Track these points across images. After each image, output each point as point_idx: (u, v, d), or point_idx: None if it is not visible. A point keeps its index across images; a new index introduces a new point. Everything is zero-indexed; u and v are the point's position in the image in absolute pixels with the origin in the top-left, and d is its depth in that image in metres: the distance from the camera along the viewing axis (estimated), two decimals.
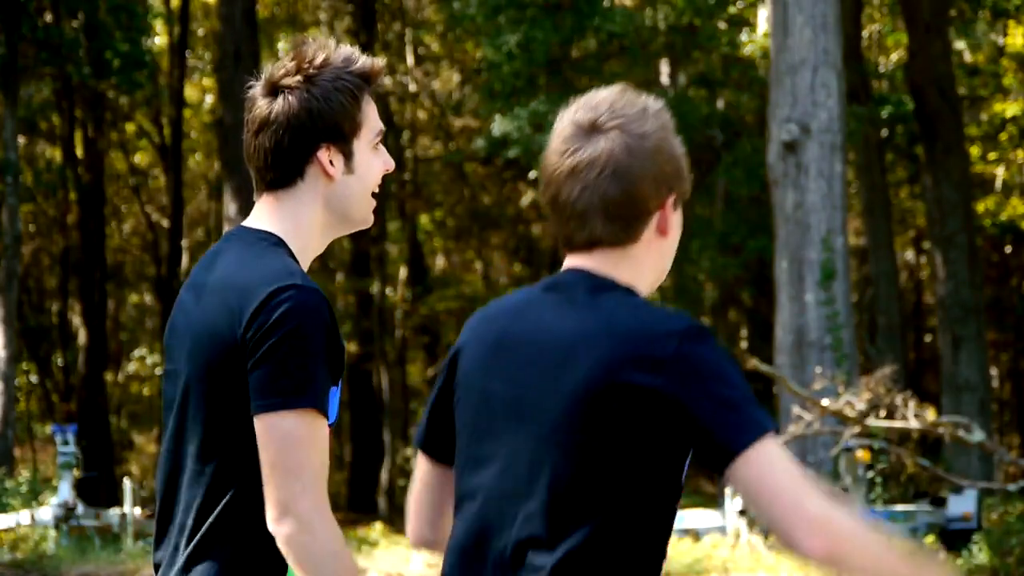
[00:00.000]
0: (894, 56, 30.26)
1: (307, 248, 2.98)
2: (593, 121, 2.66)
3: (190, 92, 33.06)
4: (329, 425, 2.87)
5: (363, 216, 3.03)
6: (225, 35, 26.26)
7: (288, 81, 2.94)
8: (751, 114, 25.10)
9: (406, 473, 31.46)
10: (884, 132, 27.35)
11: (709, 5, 24.41)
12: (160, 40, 31.63)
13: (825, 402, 16.64)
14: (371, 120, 3.02)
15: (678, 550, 15.74)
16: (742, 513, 15.98)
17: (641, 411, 2.51)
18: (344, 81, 2.96)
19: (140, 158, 34.28)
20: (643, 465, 2.55)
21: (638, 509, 2.55)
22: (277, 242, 2.93)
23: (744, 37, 25.89)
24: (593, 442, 2.53)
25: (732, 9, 25.61)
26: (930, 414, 16.52)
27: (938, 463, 20.44)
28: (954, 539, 15.70)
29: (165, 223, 32.10)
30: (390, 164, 3.07)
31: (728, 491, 16.44)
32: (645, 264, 2.71)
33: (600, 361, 2.53)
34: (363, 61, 3.01)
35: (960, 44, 29.27)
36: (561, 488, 2.53)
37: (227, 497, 2.85)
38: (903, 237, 33.76)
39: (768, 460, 2.55)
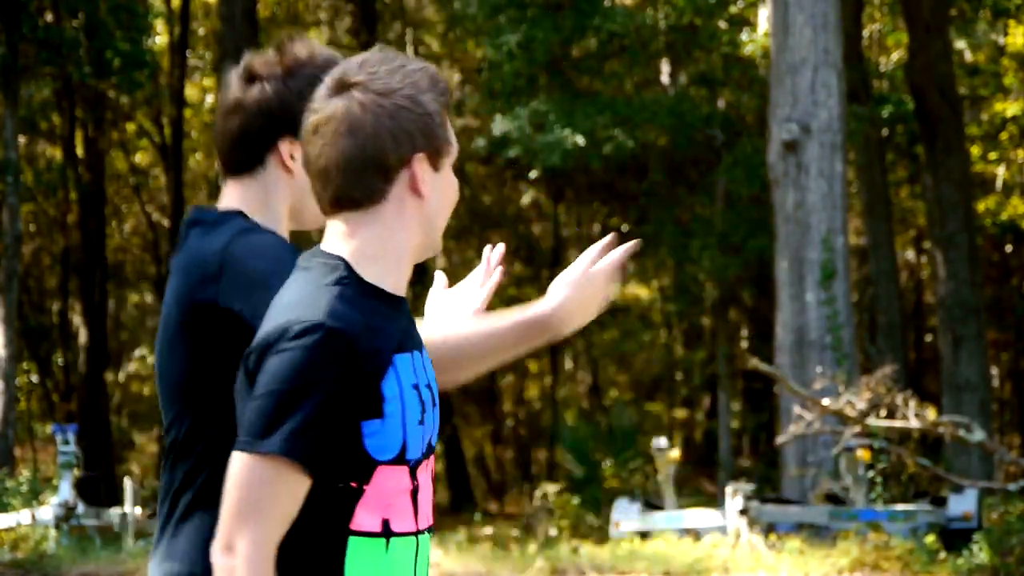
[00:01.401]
0: (894, 56, 30.25)
1: (278, 227, 3.01)
2: (340, 79, 2.66)
3: (190, 92, 33.06)
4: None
5: (314, 216, 3.02)
6: (225, 35, 26.26)
7: (267, 71, 2.99)
8: (751, 114, 25.10)
9: None
10: (884, 132, 27.34)
11: (709, 5, 24.40)
12: (161, 40, 31.62)
13: (826, 402, 16.64)
14: None
15: (678, 550, 15.75)
16: (742, 513, 15.98)
17: None
18: (321, 82, 2.93)
19: (140, 158, 34.28)
20: None
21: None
22: (242, 215, 2.97)
23: (745, 37, 25.88)
24: None
25: (733, 9, 25.61)
26: (930, 414, 16.52)
27: (938, 463, 20.44)
28: (954, 539, 15.70)
29: (165, 223, 32.09)
30: None
31: (728, 491, 16.44)
32: (397, 225, 2.68)
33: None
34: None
35: (960, 44, 29.27)
36: None
37: (203, 476, 2.86)
38: (903, 237, 33.76)
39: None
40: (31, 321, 29.77)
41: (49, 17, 22.78)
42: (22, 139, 27.13)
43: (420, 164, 2.66)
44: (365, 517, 2.62)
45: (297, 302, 2.58)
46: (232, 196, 3.02)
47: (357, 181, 2.63)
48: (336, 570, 2.60)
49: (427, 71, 2.69)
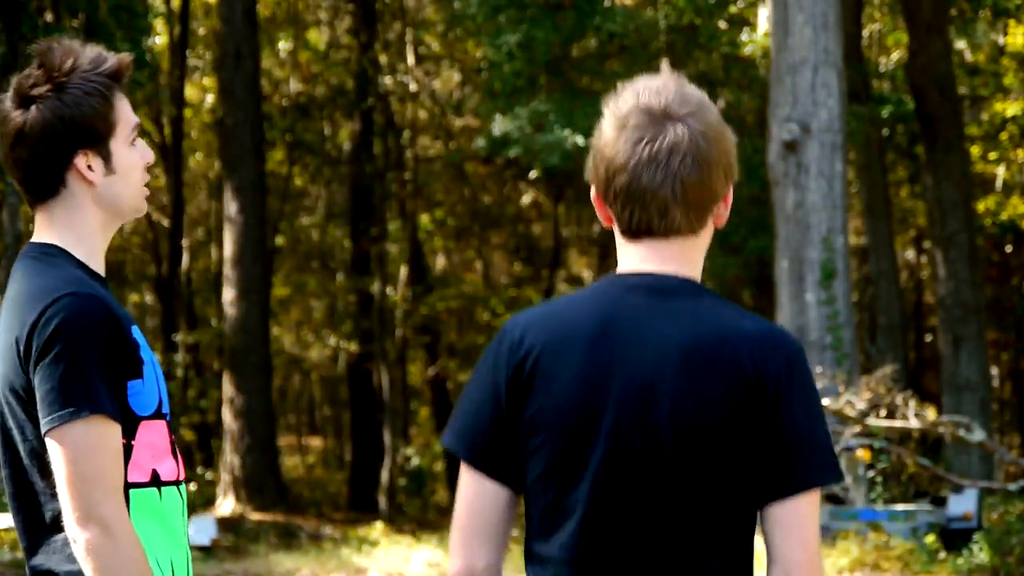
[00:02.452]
0: (894, 56, 30.25)
1: (93, 251, 3.00)
2: (665, 108, 2.68)
3: (190, 92, 33.06)
4: (155, 417, 2.91)
5: (135, 207, 3.04)
6: (226, 35, 26.27)
7: (38, 91, 2.93)
8: (751, 114, 25.11)
9: (406, 473, 31.48)
10: (885, 132, 27.34)
11: (709, 5, 24.40)
12: (161, 40, 31.62)
13: (825, 401, 16.64)
14: (125, 117, 3.01)
15: None
16: None
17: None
18: (94, 84, 2.95)
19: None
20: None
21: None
22: (58, 252, 2.95)
23: (745, 37, 25.88)
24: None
25: (733, 8, 25.61)
26: (930, 414, 16.52)
27: (938, 463, 20.44)
28: (954, 539, 15.70)
29: (165, 223, 32.09)
30: (149, 157, 3.07)
31: None
32: (703, 252, 2.73)
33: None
34: (111, 60, 3.00)
35: (961, 43, 29.27)
36: None
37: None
38: (903, 237, 33.76)
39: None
40: None
41: (49, 17, 22.78)
42: None
43: (730, 195, 2.77)
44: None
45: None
46: (43, 228, 3.01)
47: (698, 211, 2.72)
48: None
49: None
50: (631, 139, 2.64)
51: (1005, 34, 29.55)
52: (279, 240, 33.26)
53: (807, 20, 19.20)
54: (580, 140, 22.17)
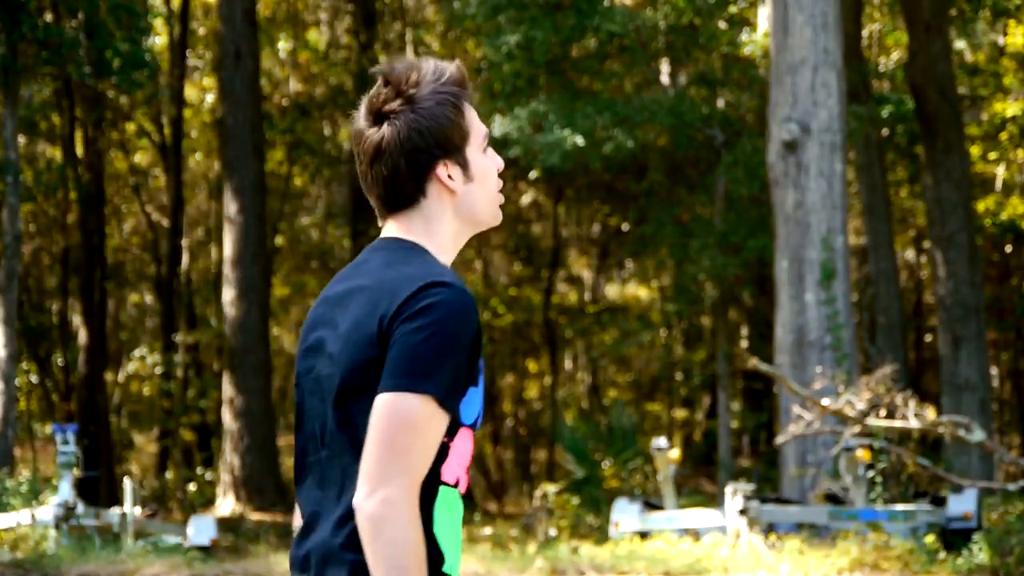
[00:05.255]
0: (894, 56, 30.25)
1: (444, 255, 3.06)
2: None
3: (190, 92, 33.06)
4: (471, 427, 2.96)
5: (492, 216, 3.12)
6: (225, 34, 26.27)
7: (391, 106, 3.00)
8: (751, 114, 25.10)
9: None
10: (884, 132, 27.34)
11: (709, 5, 24.40)
12: (160, 40, 31.63)
13: (825, 401, 16.65)
14: (476, 125, 3.09)
15: (678, 550, 15.76)
16: (742, 512, 15.99)
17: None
18: (443, 94, 3.02)
19: (140, 158, 34.28)
20: None
21: None
22: (424, 249, 3.02)
23: (744, 37, 25.88)
24: None
25: (732, 9, 25.60)
26: (930, 414, 16.52)
27: (938, 463, 20.45)
28: (954, 539, 15.71)
29: (165, 223, 32.09)
30: (500, 163, 3.13)
31: (728, 491, 16.44)
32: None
33: None
34: (452, 69, 3.07)
35: (960, 43, 29.26)
36: None
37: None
38: (903, 237, 33.76)
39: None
40: (31, 321, 29.76)
41: (49, 17, 22.77)
42: (22, 139, 27.13)
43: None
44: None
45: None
46: (396, 232, 3.06)
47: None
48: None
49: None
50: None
51: (1005, 34, 29.54)
52: (279, 240, 33.26)
53: (807, 20, 19.20)
54: (580, 140, 22.17)
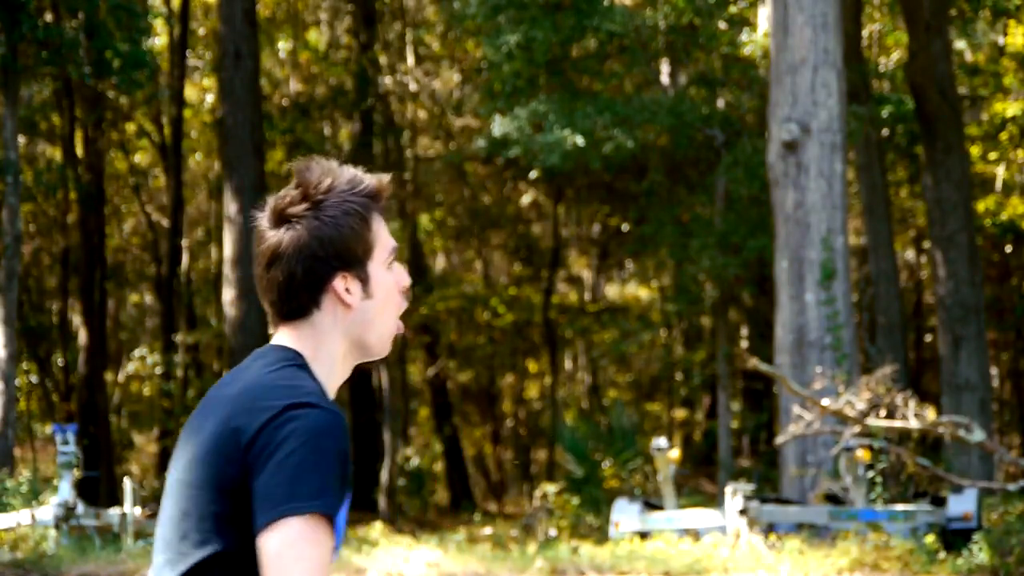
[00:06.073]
0: (894, 55, 30.25)
1: (331, 375, 2.88)
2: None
3: (190, 92, 33.06)
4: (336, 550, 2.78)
5: (382, 343, 2.93)
6: (225, 35, 26.26)
7: (295, 210, 2.84)
8: (751, 114, 25.10)
9: (406, 473, 31.47)
10: (884, 132, 27.33)
11: (709, 5, 24.40)
12: (160, 40, 31.63)
13: (825, 402, 16.65)
14: (383, 239, 2.91)
15: (678, 550, 15.76)
16: (742, 513, 15.99)
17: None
18: (352, 204, 2.85)
19: (140, 158, 34.28)
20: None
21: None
22: (303, 363, 2.84)
23: (744, 37, 25.87)
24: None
25: (732, 8, 25.60)
26: (930, 414, 16.53)
27: (938, 463, 20.44)
28: (954, 539, 15.71)
29: (165, 223, 32.09)
30: (405, 281, 2.96)
31: (728, 491, 16.44)
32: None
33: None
34: (369, 181, 2.90)
35: (961, 44, 29.26)
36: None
37: None
38: (903, 237, 33.76)
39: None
40: (31, 321, 29.77)
41: (49, 17, 22.77)
42: (22, 139, 27.13)
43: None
44: None
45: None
46: (286, 340, 2.88)
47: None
48: None
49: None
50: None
51: (1005, 34, 29.54)
52: None
53: (807, 20, 19.20)
54: (580, 140, 22.17)
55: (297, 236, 2.82)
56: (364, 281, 2.87)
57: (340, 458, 2.66)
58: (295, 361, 2.83)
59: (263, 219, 2.88)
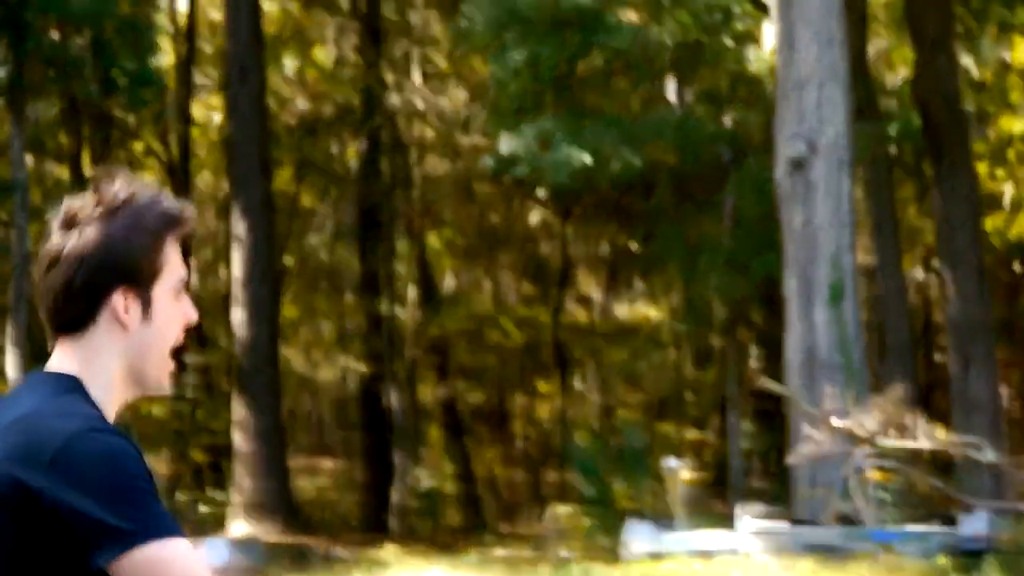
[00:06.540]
0: (900, 72, 30.20)
1: (108, 399, 2.69)
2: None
3: (197, 110, 33.07)
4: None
5: (158, 376, 2.76)
6: (232, 53, 26.26)
7: (86, 215, 2.70)
8: (758, 131, 25.06)
9: (417, 494, 31.38)
10: (892, 150, 27.27)
11: (715, 22, 24.37)
12: (167, 58, 31.64)
13: (836, 422, 16.56)
14: (174, 265, 2.75)
15: (691, 570, 15.68)
16: (754, 533, 15.91)
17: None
18: (147, 220, 2.70)
19: (148, 176, 34.28)
20: None
21: None
22: (76, 387, 2.66)
23: (750, 54, 25.84)
24: None
25: (739, 25, 25.57)
26: (940, 433, 16.45)
27: (950, 483, 20.34)
28: (967, 559, 15.62)
29: None
30: (192, 316, 2.82)
31: (740, 511, 16.36)
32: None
33: None
34: (171, 203, 2.75)
35: (967, 60, 29.21)
36: None
37: None
38: (912, 255, 33.67)
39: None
40: (41, 343, 29.75)
41: (55, 36, 22.79)
42: (30, 158, 27.12)
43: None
44: None
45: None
46: (62, 360, 2.71)
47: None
48: None
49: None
50: None
51: (1011, 50, 29.49)
52: (287, 260, 33.22)
53: (813, 37, 19.16)
54: (587, 159, 22.12)
55: (83, 242, 2.67)
56: (146, 303, 2.71)
57: (140, 475, 2.52)
58: (70, 387, 2.65)
59: (55, 220, 2.73)
